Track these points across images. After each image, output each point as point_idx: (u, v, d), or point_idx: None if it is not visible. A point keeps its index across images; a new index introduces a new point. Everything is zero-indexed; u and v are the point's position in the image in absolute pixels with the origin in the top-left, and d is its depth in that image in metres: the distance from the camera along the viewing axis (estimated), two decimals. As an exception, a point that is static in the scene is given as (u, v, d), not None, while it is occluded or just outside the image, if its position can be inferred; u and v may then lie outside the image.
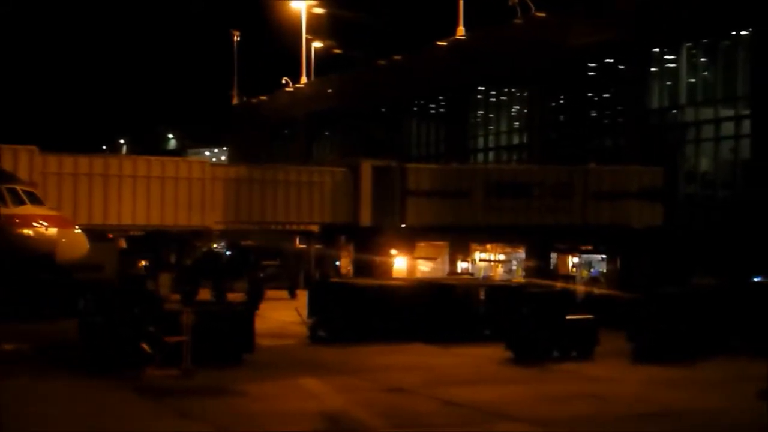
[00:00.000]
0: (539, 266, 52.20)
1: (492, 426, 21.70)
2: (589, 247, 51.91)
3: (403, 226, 47.66)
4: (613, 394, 25.68)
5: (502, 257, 60.19)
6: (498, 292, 37.14)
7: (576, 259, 53.98)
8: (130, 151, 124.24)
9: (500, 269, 59.84)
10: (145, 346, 27.59)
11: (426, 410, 23.24)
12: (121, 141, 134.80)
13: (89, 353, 29.15)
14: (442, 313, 38.00)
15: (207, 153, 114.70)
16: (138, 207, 40.95)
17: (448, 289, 39.10)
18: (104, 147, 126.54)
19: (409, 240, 49.36)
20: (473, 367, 30.69)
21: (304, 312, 38.83)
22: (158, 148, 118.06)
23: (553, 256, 53.74)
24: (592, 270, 54.42)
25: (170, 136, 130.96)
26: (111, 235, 47.76)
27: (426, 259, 61.03)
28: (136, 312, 30.00)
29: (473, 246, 59.69)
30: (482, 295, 37.91)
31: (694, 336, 33.31)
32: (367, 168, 46.27)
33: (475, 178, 47.56)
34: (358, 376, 28.37)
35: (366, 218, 46.06)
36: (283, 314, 40.94)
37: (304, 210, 45.10)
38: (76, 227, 34.07)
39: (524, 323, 32.77)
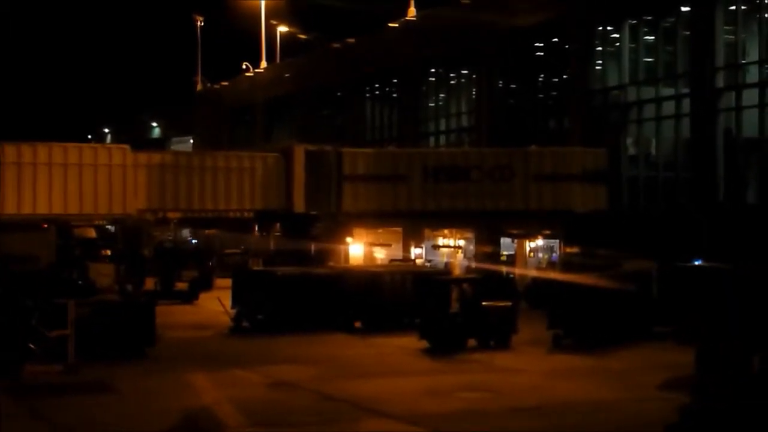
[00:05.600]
0: (492, 252, 51.04)
1: (356, 423, 20.54)
2: (544, 232, 50.68)
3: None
4: (508, 386, 24.50)
5: (462, 242, 59.03)
6: (422, 279, 35.76)
7: (533, 244, 52.81)
8: (114, 141, 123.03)
9: (460, 255, 58.70)
10: (26, 340, 26.48)
11: (299, 406, 22.08)
12: (106, 130, 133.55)
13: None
14: (369, 301, 36.83)
15: (192, 141, 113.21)
16: (54, 195, 39.70)
17: (375, 277, 37.90)
18: (89, 136, 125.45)
19: (344, 226, 48.08)
20: (381, 359, 29.57)
21: (227, 302, 37.70)
22: (143, 137, 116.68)
23: (507, 241, 52.57)
24: (553, 255, 53.28)
25: (154, 124, 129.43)
26: (45, 225, 46.68)
27: (381, 245, 59.93)
28: (28, 304, 28.96)
29: (428, 231, 58.55)
30: (410, 283, 36.73)
31: (615, 323, 32.14)
32: (300, 153, 44.97)
33: (412, 162, 46.28)
34: (253, 369, 27.22)
35: (300, 204, 44.81)
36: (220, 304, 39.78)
37: (234, 197, 43.86)
38: None
39: (438, 311, 31.59)
